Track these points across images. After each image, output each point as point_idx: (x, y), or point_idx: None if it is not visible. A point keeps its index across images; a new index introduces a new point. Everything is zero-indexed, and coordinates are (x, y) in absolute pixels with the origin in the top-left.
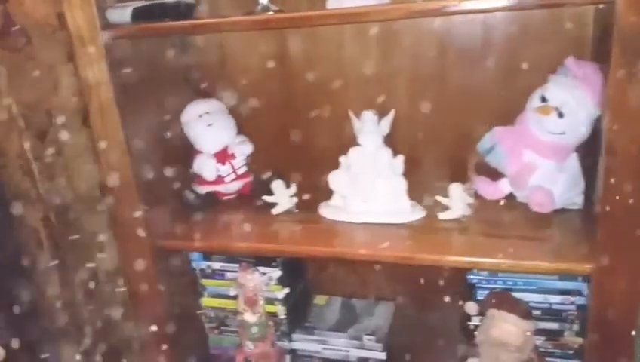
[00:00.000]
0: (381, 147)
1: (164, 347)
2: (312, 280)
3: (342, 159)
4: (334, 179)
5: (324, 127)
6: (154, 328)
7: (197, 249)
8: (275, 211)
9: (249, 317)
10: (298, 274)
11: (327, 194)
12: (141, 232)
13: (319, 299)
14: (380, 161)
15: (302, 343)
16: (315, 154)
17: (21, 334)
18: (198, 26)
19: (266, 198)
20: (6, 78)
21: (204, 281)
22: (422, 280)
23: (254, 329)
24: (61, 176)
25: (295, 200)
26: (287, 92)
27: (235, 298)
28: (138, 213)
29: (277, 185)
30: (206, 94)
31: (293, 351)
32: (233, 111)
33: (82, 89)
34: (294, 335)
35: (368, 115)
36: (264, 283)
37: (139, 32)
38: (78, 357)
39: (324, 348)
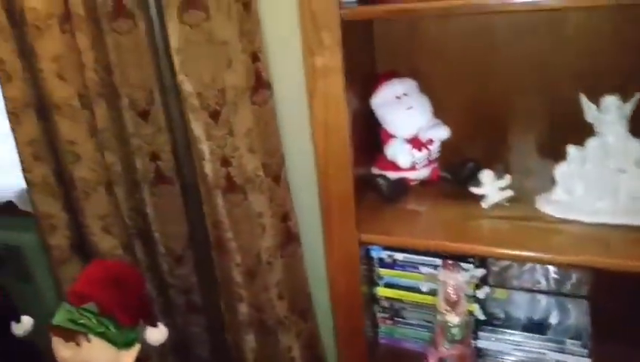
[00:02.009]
0: (627, 138)
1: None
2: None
3: (571, 149)
4: (562, 171)
5: (532, 112)
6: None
7: (397, 244)
8: (484, 204)
9: (451, 318)
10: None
11: (535, 187)
12: (349, 221)
13: (499, 293)
14: (627, 154)
15: (489, 342)
16: (518, 143)
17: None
18: (460, 6)
19: (475, 190)
20: (183, 55)
21: (382, 271)
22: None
23: (455, 331)
24: (231, 156)
25: (510, 193)
26: (486, 71)
27: (419, 292)
28: (350, 202)
29: (487, 175)
30: (396, 74)
31: (478, 350)
32: (425, 92)
33: (307, 73)
34: (481, 333)
35: (612, 101)
36: (466, 283)
37: (387, 14)
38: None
39: (515, 349)
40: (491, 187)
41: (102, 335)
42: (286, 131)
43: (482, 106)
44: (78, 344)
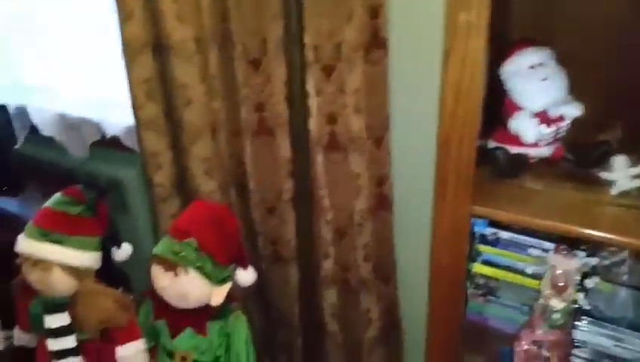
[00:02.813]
0: None
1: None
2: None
3: None
4: None
5: None
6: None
7: (512, 221)
8: (612, 190)
9: (555, 303)
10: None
11: None
12: (465, 191)
13: (604, 286)
14: None
15: (586, 334)
16: None
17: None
18: None
19: (604, 175)
20: (307, 4)
21: (481, 247)
22: None
23: (556, 316)
24: (338, 114)
25: None
26: (631, 50)
27: (519, 272)
28: (470, 171)
29: (620, 160)
30: (532, 42)
31: (575, 340)
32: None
33: (448, 30)
34: (579, 324)
35: None
36: (577, 270)
37: None
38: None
39: (616, 345)
40: (622, 173)
41: (199, 269)
42: (392, 93)
43: (621, 87)
44: (176, 274)
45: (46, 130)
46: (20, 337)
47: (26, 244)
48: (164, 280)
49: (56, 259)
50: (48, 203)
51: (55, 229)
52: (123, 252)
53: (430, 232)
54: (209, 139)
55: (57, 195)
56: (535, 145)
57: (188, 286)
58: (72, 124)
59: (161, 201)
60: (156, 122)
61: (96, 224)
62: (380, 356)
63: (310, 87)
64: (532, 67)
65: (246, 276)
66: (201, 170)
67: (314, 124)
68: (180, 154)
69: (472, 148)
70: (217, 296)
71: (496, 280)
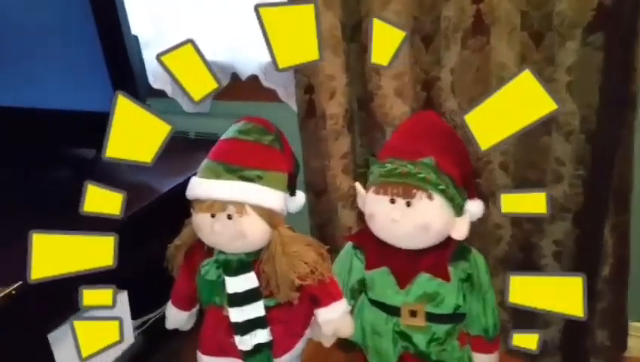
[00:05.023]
0: None
1: None
2: None
3: None
4: None
5: None
6: None
7: None
8: None
9: None
10: None
11: None
12: None
13: None
14: None
15: None
16: None
17: None
18: None
19: None
20: None
21: None
22: None
23: None
24: None
25: None
26: None
27: None
28: None
29: None
30: None
31: None
32: None
33: None
34: None
35: None
36: None
37: None
38: None
39: None
40: None
41: (443, 192)
42: None
43: None
44: (409, 204)
45: (158, 84)
46: (177, 316)
47: (208, 186)
48: (392, 213)
49: (253, 200)
50: (229, 134)
51: (248, 163)
52: (298, 201)
53: None
54: (407, 47)
55: (240, 124)
56: None
57: (428, 215)
58: None
59: (334, 139)
60: (334, 36)
61: (284, 159)
62: (608, 304)
63: None
64: None
65: (476, 207)
66: (391, 90)
67: None
68: (358, 74)
69: None
70: (461, 227)
71: None
